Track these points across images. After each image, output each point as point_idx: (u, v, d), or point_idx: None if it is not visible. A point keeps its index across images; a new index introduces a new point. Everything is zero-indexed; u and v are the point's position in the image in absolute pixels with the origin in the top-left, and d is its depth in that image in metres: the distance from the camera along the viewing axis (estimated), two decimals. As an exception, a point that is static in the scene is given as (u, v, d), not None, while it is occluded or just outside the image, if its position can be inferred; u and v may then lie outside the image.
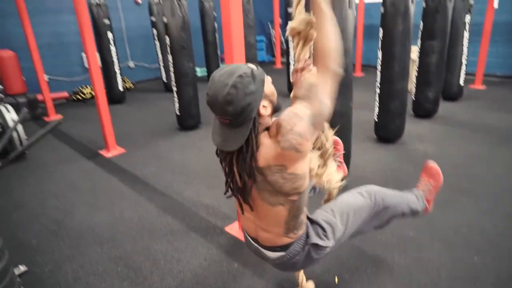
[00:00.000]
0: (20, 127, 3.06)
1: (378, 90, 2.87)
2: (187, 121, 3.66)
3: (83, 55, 5.30)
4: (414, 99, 3.65)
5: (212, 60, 5.69)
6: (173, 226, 2.07)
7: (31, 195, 2.51)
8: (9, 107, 3.09)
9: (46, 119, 4.39)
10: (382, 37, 2.72)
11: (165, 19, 3.29)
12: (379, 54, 2.79)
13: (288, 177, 0.99)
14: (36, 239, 2.01)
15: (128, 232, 2.04)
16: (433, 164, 1.55)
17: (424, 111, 3.62)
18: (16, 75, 4.32)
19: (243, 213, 1.19)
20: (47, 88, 4.33)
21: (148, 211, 2.25)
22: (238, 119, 0.97)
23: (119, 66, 4.87)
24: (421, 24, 3.39)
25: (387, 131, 2.98)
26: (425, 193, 1.52)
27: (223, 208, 2.23)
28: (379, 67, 2.83)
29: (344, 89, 2.24)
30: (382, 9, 2.69)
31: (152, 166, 2.90)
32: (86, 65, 5.25)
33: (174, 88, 3.52)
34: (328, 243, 1.18)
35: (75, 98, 5.12)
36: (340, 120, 2.21)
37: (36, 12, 4.67)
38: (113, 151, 3.20)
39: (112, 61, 4.72)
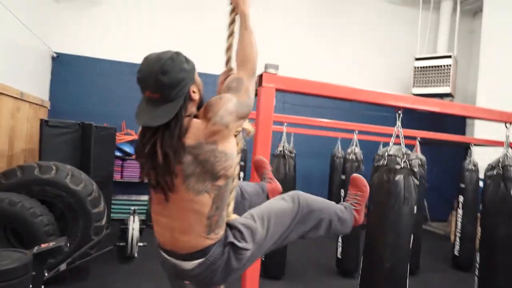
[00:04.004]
0: (136, 234, 3.76)
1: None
2: (272, 268, 3.66)
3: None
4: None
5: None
6: None
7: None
8: (137, 218, 3.89)
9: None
10: (480, 238, 2.30)
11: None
12: (477, 257, 2.31)
13: (219, 155, 1.03)
14: None
15: None
16: (357, 176, 1.55)
17: None
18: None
19: (158, 218, 1.13)
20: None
21: None
22: (170, 93, 1.01)
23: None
24: None
25: None
26: (353, 205, 1.49)
27: None
28: (477, 272, 2.31)
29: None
30: (480, 206, 2.33)
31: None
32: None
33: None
34: (247, 245, 1.13)
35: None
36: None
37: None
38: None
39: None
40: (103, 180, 4.28)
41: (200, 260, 1.09)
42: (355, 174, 1.58)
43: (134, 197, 5.53)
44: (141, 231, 4.16)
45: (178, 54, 1.06)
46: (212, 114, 1.04)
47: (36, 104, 4.54)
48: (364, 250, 2.00)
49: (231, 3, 1.35)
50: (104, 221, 3.24)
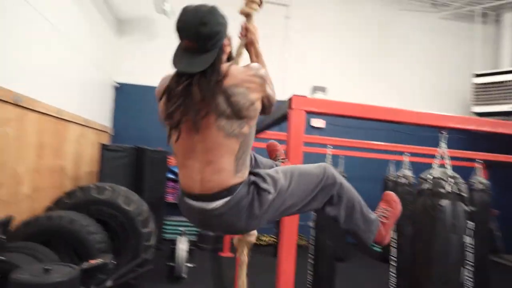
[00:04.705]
0: (184, 254, 3.85)
1: None
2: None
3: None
4: None
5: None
6: None
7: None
8: (185, 240, 4.00)
9: (220, 253, 5.22)
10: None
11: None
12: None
13: (247, 102, 1.13)
14: None
15: None
16: (390, 192, 1.57)
17: None
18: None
19: (186, 161, 1.20)
20: (230, 229, 5.26)
21: None
22: (207, 44, 1.10)
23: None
24: None
25: None
26: (380, 217, 1.46)
27: None
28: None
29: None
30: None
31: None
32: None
33: (311, 261, 3.58)
34: (269, 188, 1.19)
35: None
36: None
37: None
38: (236, 302, 3.43)
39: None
40: (156, 201, 4.50)
41: (226, 199, 1.17)
42: (387, 191, 1.56)
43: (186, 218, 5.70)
44: (190, 252, 4.26)
45: (215, 8, 1.15)
46: (256, 68, 1.19)
47: (99, 130, 4.97)
48: (410, 284, 1.85)
49: (240, 37, 1.46)
50: (153, 241, 3.38)
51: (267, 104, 1.26)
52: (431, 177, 1.79)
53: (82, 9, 4.22)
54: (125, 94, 5.70)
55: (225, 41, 1.20)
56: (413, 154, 3.73)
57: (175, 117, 1.14)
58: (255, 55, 1.43)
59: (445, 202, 1.71)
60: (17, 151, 2.89)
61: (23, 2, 2.83)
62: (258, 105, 1.20)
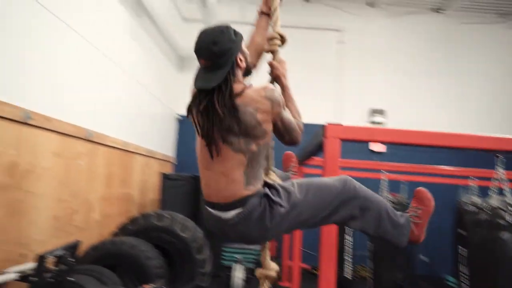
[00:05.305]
0: (240, 282, 3.88)
1: None
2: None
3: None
4: None
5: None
6: None
7: None
8: (241, 267, 4.03)
9: (279, 282, 5.12)
10: None
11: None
12: None
13: (255, 123, 1.18)
14: None
15: None
16: (422, 189, 1.48)
17: None
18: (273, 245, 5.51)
19: (204, 171, 1.27)
20: (287, 258, 5.18)
21: None
22: (220, 61, 1.18)
23: (352, 255, 5.12)
24: None
25: None
26: (412, 217, 1.41)
27: None
28: None
29: None
30: None
31: None
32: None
33: (370, 294, 3.37)
34: (281, 201, 1.22)
35: (311, 271, 5.70)
36: None
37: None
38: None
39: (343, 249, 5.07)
40: (214, 228, 4.62)
41: (239, 210, 1.22)
42: (419, 188, 1.50)
43: (244, 245, 5.75)
44: (248, 280, 4.26)
45: (227, 27, 1.24)
46: (270, 90, 1.23)
47: (163, 160, 5.32)
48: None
49: (270, 73, 1.51)
50: (207, 268, 3.46)
51: (282, 128, 1.29)
52: (489, 207, 1.62)
53: (148, 52, 4.68)
54: (187, 125, 6.06)
55: (239, 57, 1.27)
56: (482, 178, 3.38)
57: (204, 131, 1.24)
58: (282, 89, 1.48)
59: (506, 235, 1.53)
60: (88, 181, 3.23)
61: (95, 51, 3.24)
62: (267, 127, 1.24)
